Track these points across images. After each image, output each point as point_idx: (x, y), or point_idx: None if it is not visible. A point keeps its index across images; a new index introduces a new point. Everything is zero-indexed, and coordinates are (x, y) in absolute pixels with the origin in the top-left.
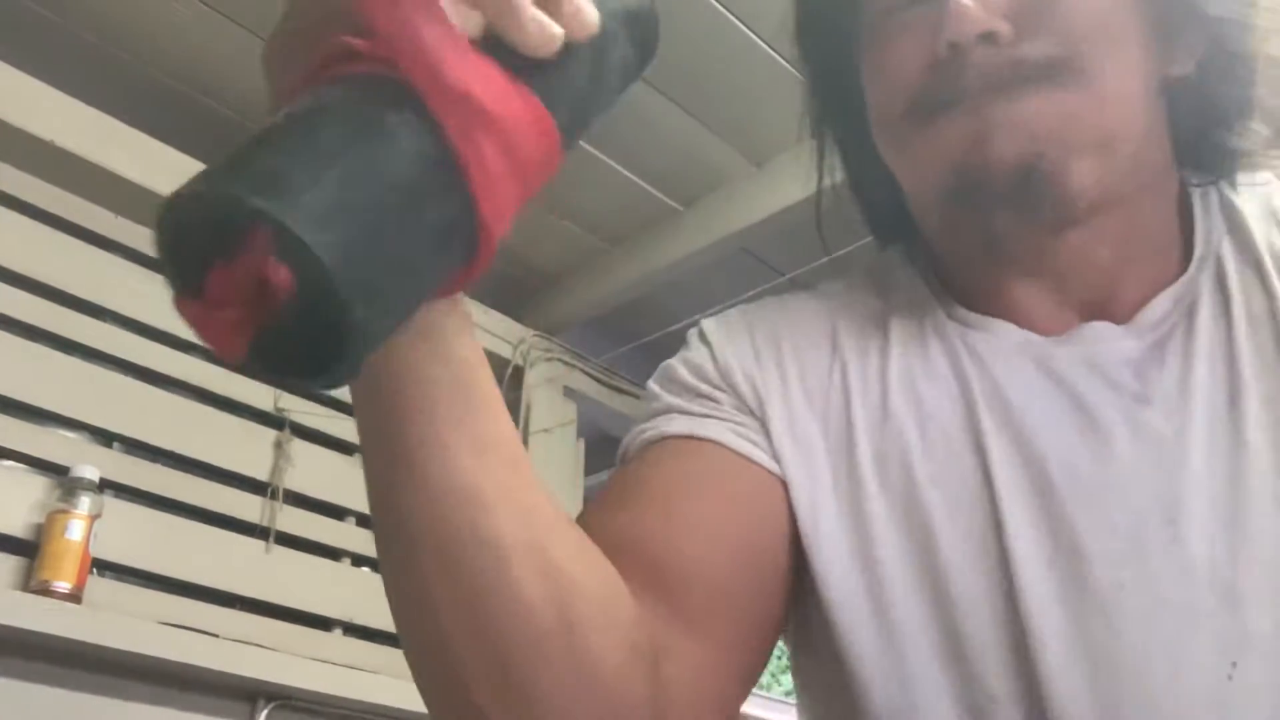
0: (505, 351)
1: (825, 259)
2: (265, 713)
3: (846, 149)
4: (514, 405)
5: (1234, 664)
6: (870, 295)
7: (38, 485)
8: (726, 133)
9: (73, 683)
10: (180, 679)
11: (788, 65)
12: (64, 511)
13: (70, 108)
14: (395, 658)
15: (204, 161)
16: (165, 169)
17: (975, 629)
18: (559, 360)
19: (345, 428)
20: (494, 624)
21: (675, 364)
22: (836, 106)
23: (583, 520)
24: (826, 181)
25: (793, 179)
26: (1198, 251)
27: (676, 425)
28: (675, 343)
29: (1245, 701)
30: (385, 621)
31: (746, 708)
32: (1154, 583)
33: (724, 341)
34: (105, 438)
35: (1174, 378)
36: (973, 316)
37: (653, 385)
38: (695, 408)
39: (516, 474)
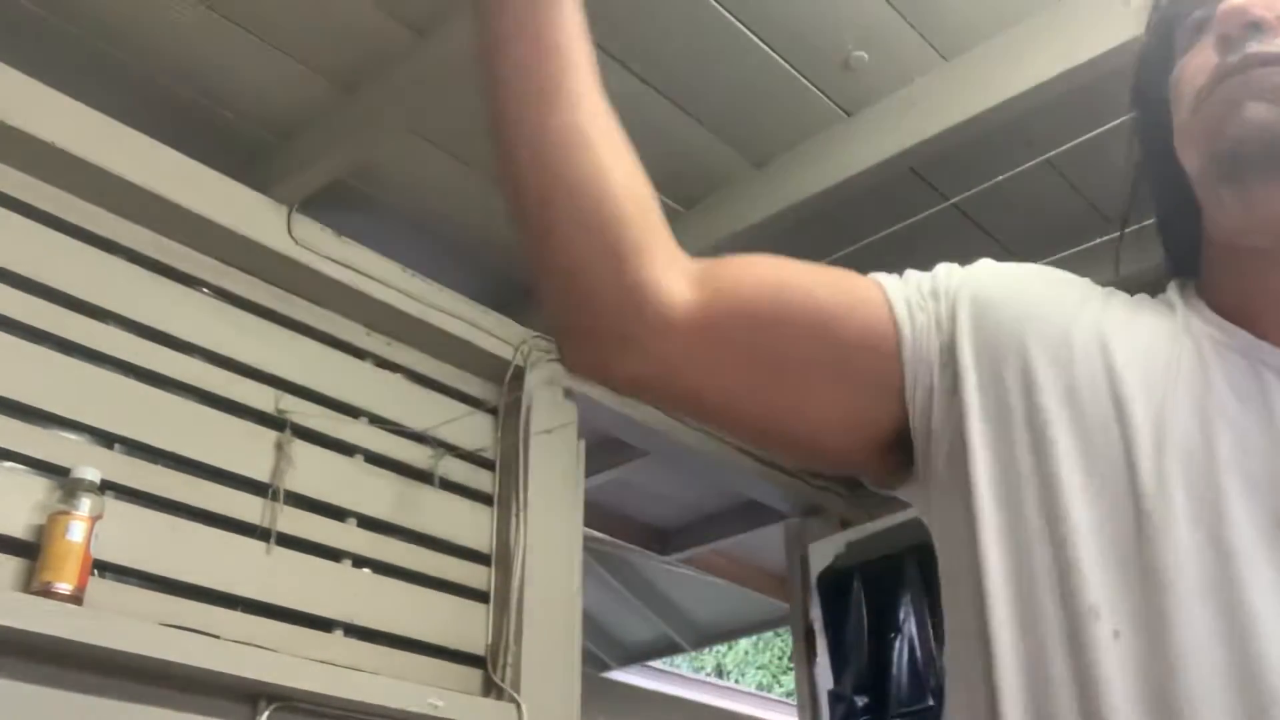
0: (505, 352)
1: (825, 259)
2: (266, 714)
3: (1152, 167)
4: (514, 406)
5: None
6: (1125, 296)
7: (39, 486)
8: (726, 133)
9: (74, 684)
10: (181, 680)
11: (788, 65)
12: (65, 513)
13: (71, 109)
14: (396, 659)
15: (205, 163)
16: (166, 171)
17: (1089, 558)
18: (559, 361)
19: (346, 429)
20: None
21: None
22: (1146, 130)
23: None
24: None
25: (793, 179)
26: None
27: (886, 280)
28: None
29: None
30: (385, 623)
31: (746, 708)
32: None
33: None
34: (106, 439)
35: None
36: (1213, 316)
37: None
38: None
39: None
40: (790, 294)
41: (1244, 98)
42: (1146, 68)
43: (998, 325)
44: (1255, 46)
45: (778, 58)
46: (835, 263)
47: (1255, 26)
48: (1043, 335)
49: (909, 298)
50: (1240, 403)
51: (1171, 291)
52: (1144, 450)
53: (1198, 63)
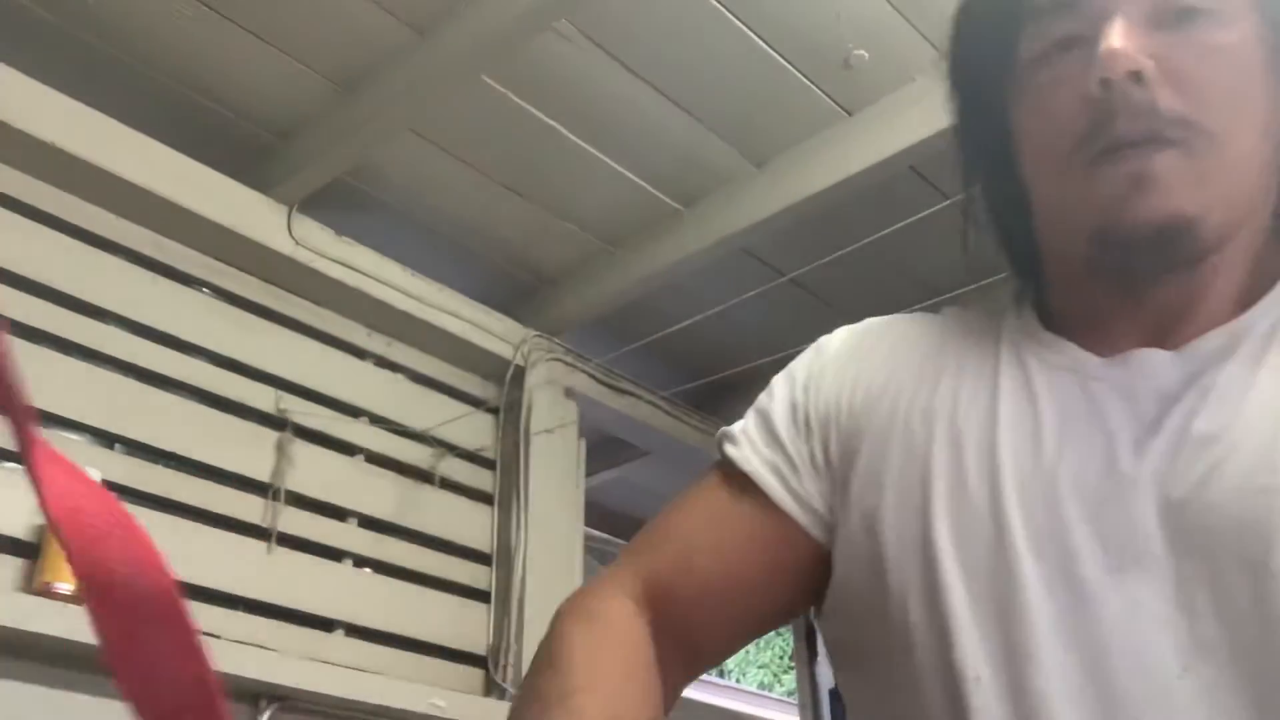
0: (506, 352)
1: (825, 259)
2: (267, 714)
3: (988, 177)
4: (515, 406)
5: (1185, 668)
6: (962, 320)
7: None
8: (726, 133)
9: (74, 684)
10: None
11: (788, 65)
12: None
13: (71, 110)
14: (397, 659)
15: (204, 163)
16: (166, 171)
17: (958, 609)
18: (560, 361)
19: (347, 429)
20: None
21: (776, 383)
22: (983, 144)
23: (652, 526)
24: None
25: (793, 179)
26: (1263, 302)
27: (737, 450)
28: (676, 343)
29: (1190, 703)
30: (387, 623)
31: (746, 707)
32: (1129, 587)
33: (817, 379)
34: (107, 439)
35: (1184, 415)
36: (1043, 336)
37: (774, 384)
38: (774, 453)
39: None
40: (717, 586)
41: (1136, 191)
42: (971, 37)
43: (857, 427)
44: (1131, 97)
45: (778, 57)
46: (835, 262)
47: (1137, 76)
48: (890, 416)
49: (779, 470)
50: (1071, 425)
51: (1007, 304)
52: (980, 494)
53: (1069, 95)
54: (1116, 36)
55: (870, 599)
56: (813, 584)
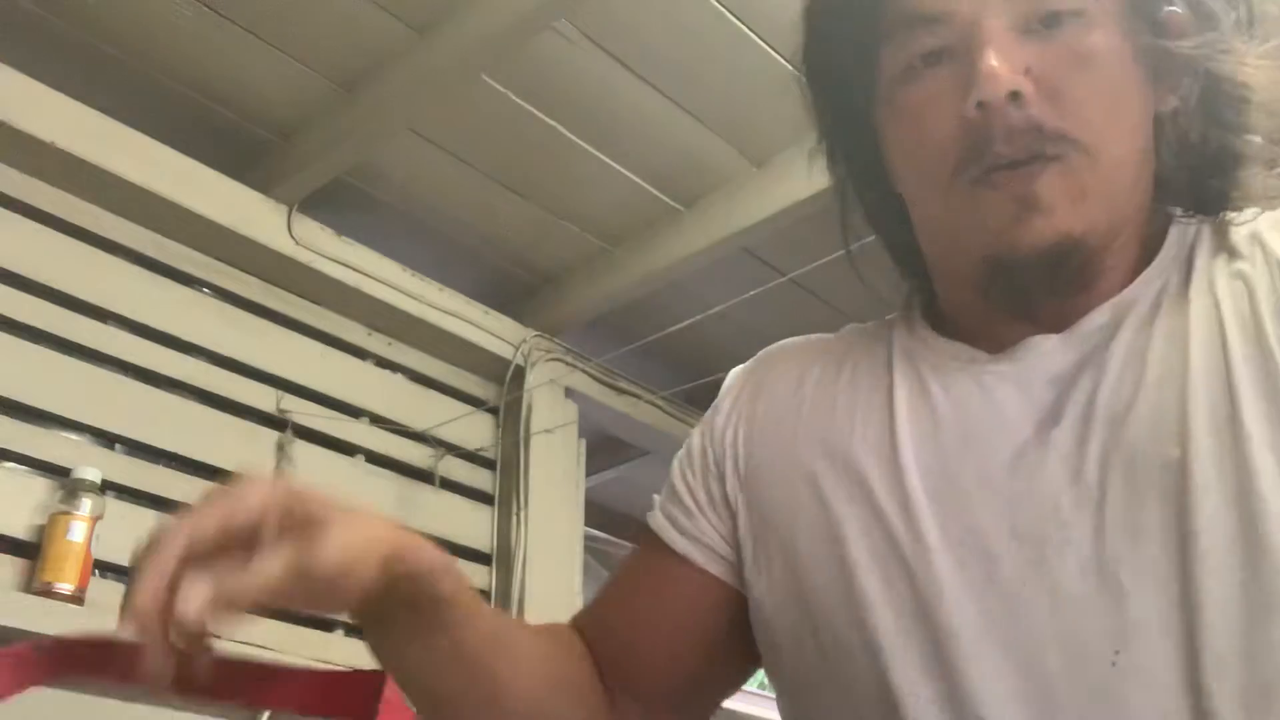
0: (506, 352)
1: (825, 259)
2: (268, 714)
3: (861, 188)
4: (515, 406)
5: (1117, 651)
6: (858, 337)
7: (39, 487)
8: (726, 133)
9: (74, 684)
10: None
11: (788, 65)
12: (66, 513)
13: (71, 110)
14: None
15: (205, 163)
16: (166, 171)
17: (886, 627)
18: (560, 361)
19: (347, 429)
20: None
21: (689, 440)
22: (850, 152)
23: (602, 594)
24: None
25: (793, 179)
26: (1145, 273)
27: (654, 520)
28: (676, 343)
29: (1127, 687)
30: None
31: (746, 707)
32: (1052, 578)
33: (714, 417)
34: (107, 439)
35: (1085, 395)
36: (931, 339)
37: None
38: (672, 505)
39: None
40: (641, 642)
41: (1023, 214)
42: (828, 45)
43: (754, 463)
44: (1010, 118)
45: (778, 57)
46: (835, 262)
47: (1015, 96)
48: (789, 446)
49: (675, 518)
50: (970, 424)
51: (898, 314)
52: (891, 508)
53: (943, 115)
54: (992, 56)
55: (796, 631)
56: (742, 629)
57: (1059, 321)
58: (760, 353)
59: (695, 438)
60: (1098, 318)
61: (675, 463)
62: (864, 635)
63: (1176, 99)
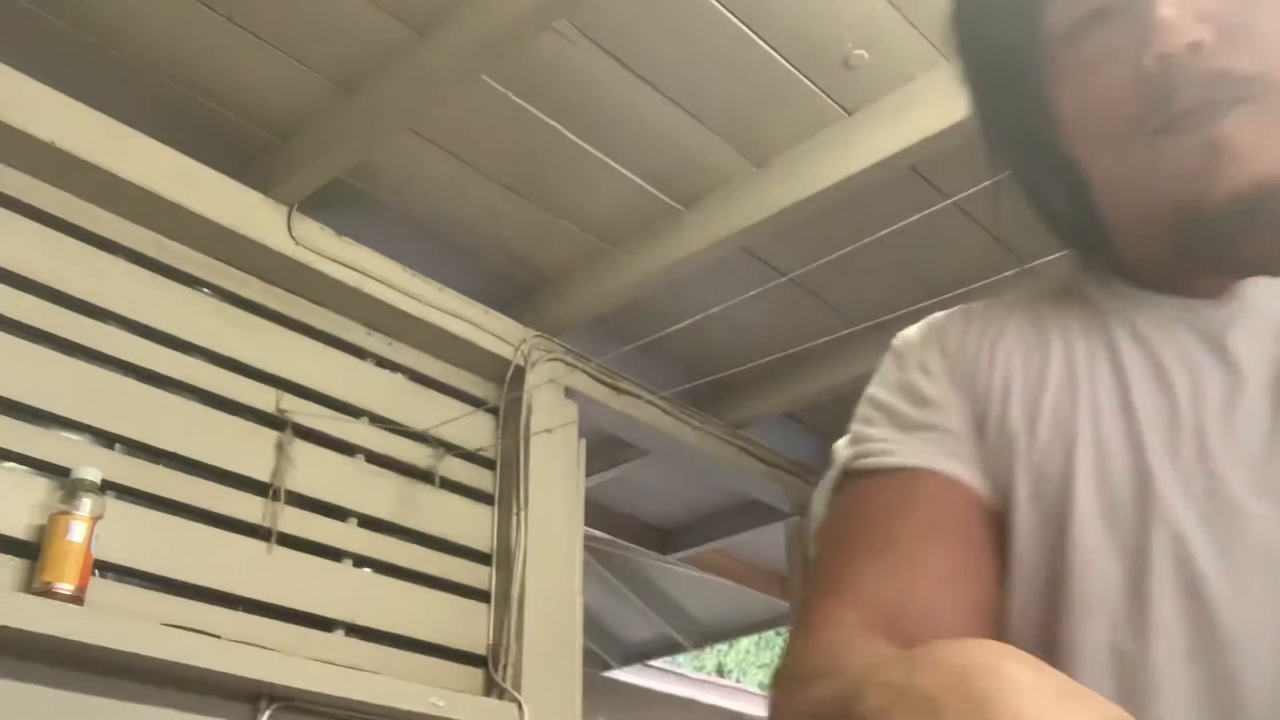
0: (506, 352)
1: (825, 259)
2: (268, 714)
3: (1027, 164)
4: (515, 406)
5: None
6: (1044, 298)
7: (39, 487)
8: (726, 133)
9: (75, 684)
10: (182, 680)
11: (788, 65)
12: (66, 513)
13: (71, 110)
14: (396, 658)
15: (205, 163)
16: (166, 171)
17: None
18: (560, 360)
19: (347, 429)
20: None
21: (883, 383)
22: (1015, 125)
23: (831, 564)
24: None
25: (793, 179)
26: None
27: (893, 455)
28: (676, 343)
29: None
30: (386, 622)
31: (748, 707)
32: None
33: (930, 355)
34: (107, 439)
35: None
36: (1137, 294)
37: (872, 393)
38: (908, 432)
39: None
40: (944, 592)
41: (1212, 160)
42: (984, 12)
43: (986, 413)
44: (1191, 68)
45: (778, 57)
46: (835, 262)
47: (1195, 46)
48: (1019, 404)
49: (950, 451)
50: (1199, 376)
51: (1078, 278)
52: (1124, 467)
53: (1119, 73)
54: (1166, 5)
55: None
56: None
57: (1265, 268)
58: (932, 317)
59: (908, 379)
60: None
61: (870, 413)
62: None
63: None
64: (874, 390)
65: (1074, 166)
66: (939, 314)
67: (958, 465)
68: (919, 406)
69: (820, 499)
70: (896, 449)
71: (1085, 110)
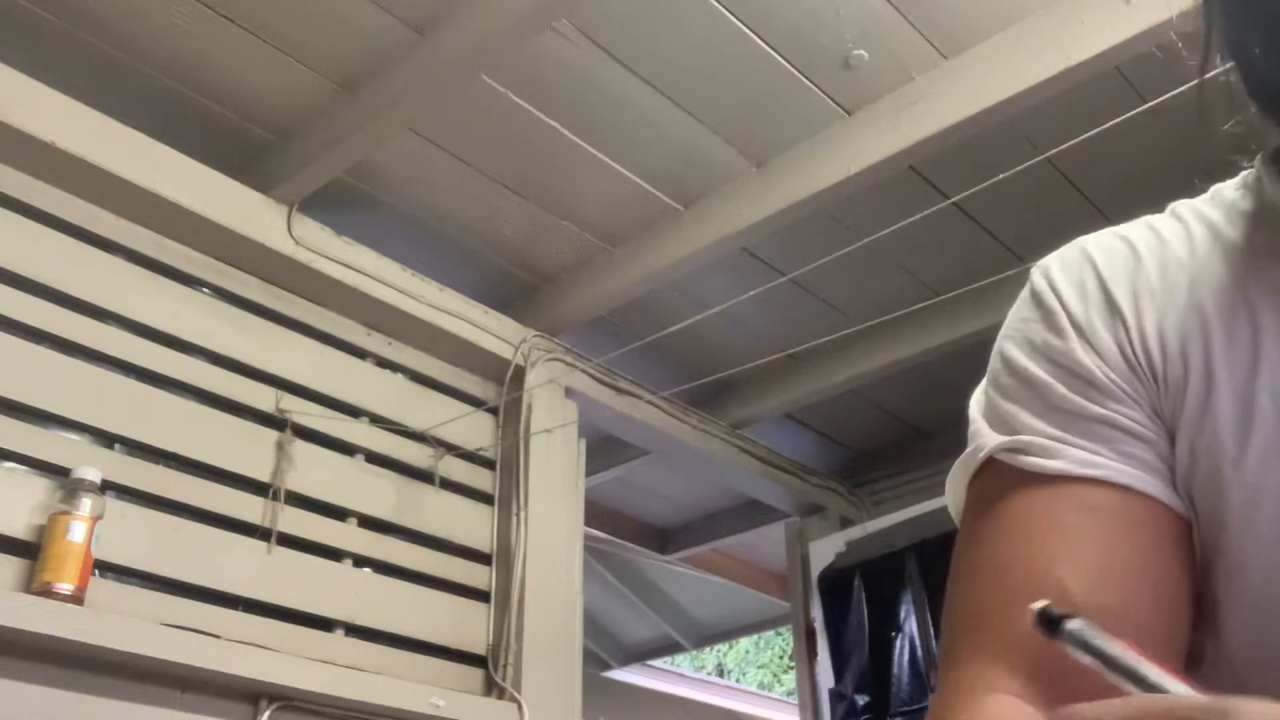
0: (506, 352)
1: (825, 259)
2: (268, 714)
3: (1230, 9)
4: (515, 406)
5: None
6: (1235, 232)
7: (39, 487)
8: (726, 133)
9: (75, 684)
10: (182, 680)
11: (788, 65)
12: (66, 513)
13: (71, 110)
14: (397, 658)
15: (204, 163)
16: (166, 171)
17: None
18: (560, 360)
19: (346, 429)
20: None
21: (1031, 347)
22: None
23: (982, 604)
24: None
25: (793, 179)
26: None
27: (1059, 462)
28: (676, 343)
29: None
30: (386, 622)
31: (747, 707)
32: None
33: (1088, 310)
34: (107, 439)
35: None
36: None
37: (1014, 371)
38: (1079, 431)
39: None
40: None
41: None
42: None
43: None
44: None
45: (778, 57)
46: (835, 262)
47: None
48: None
49: (1129, 464)
50: None
51: (1264, 181)
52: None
53: None
54: None
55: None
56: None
57: None
58: (1086, 249)
59: (1062, 347)
60: None
61: (1013, 389)
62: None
63: None
64: (1016, 354)
65: None
66: (1093, 239)
67: (1147, 477)
68: (1086, 393)
69: (957, 485)
70: (1063, 451)
71: None
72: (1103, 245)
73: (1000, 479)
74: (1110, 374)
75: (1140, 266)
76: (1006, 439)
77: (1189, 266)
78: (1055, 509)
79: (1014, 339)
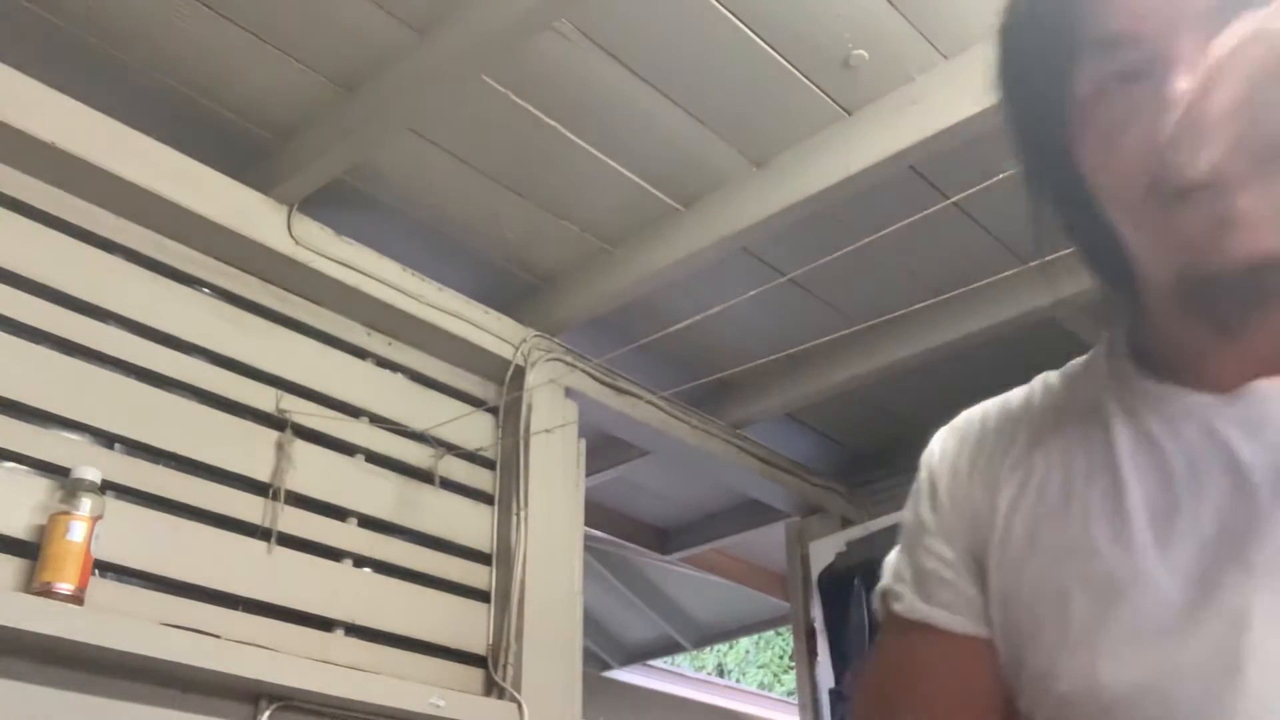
0: (506, 352)
1: (825, 259)
2: (268, 714)
3: (1060, 203)
4: (515, 406)
5: None
6: (1056, 394)
7: (39, 487)
8: (726, 133)
9: (75, 684)
10: (182, 680)
11: (788, 65)
12: (66, 513)
13: (71, 110)
14: (397, 658)
15: (204, 163)
16: (166, 171)
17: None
18: (560, 360)
19: (346, 428)
20: None
21: (915, 501)
22: (1049, 173)
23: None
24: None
25: (793, 179)
26: None
27: (906, 603)
28: (676, 343)
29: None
30: (387, 622)
31: (747, 707)
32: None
33: (943, 479)
34: (107, 439)
35: None
36: (1149, 387)
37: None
38: (922, 583)
39: None
40: None
41: (1220, 234)
42: (1022, 67)
43: (985, 536)
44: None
45: (778, 57)
46: (835, 262)
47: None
48: (1011, 515)
49: (950, 604)
50: (1202, 472)
51: (1099, 363)
52: (1116, 559)
53: (1137, 139)
54: (1185, 76)
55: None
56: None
57: (1273, 347)
58: (958, 423)
59: (923, 511)
60: None
61: (910, 548)
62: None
63: None
64: (907, 515)
65: (1109, 223)
66: (960, 419)
67: (956, 619)
68: (926, 546)
69: (876, 600)
70: (907, 596)
71: (1102, 173)
72: (957, 425)
73: (888, 621)
74: (945, 526)
75: (982, 435)
76: (891, 583)
77: (1023, 422)
78: (913, 649)
79: (908, 502)
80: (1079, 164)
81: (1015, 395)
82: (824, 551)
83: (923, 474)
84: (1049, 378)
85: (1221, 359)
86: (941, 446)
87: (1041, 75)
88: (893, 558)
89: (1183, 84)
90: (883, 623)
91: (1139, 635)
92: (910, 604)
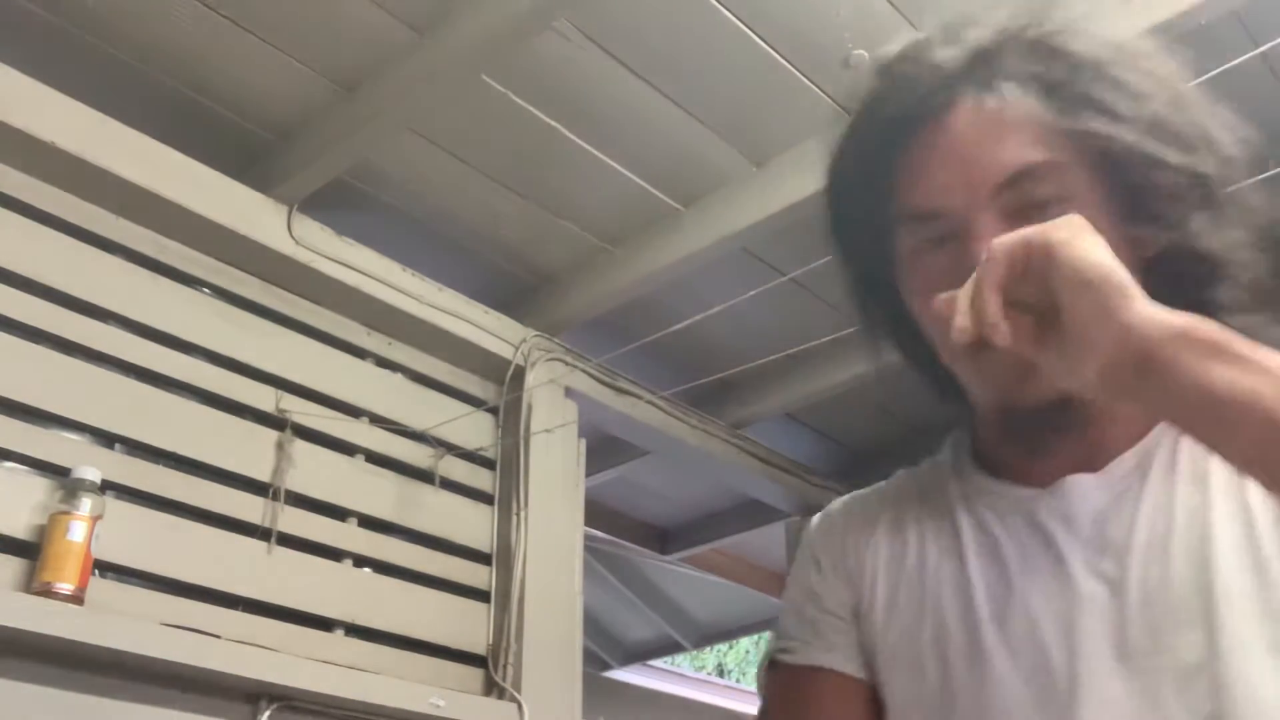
0: (506, 352)
1: (825, 259)
2: (268, 714)
3: (893, 333)
4: (515, 406)
5: None
6: (912, 486)
7: (39, 487)
8: (726, 133)
9: (75, 684)
10: (182, 680)
11: (788, 65)
12: (66, 513)
13: (71, 109)
14: (397, 658)
15: (205, 163)
16: (166, 171)
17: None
18: (560, 360)
19: (346, 428)
20: None
21: (798, 569)
22: (879, 302)
23: None
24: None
25: (793, 179)
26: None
27: (798, 654)
28: (676, 343)
29: None
30: (386, 622)
31: (748, 707)
32: (1100, 689)
33: (823, 551)
34: (107, 439)
35: (1123, 530)
36: (984, 483)
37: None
38: (808, 632)
39: None
40: None
41: (1019, 379)
42: (851, 225)
43: (859, 602)
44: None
45: (778, 57)
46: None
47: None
48: (874, 589)
49: (834, 648)
50: (1030, 560)
51: (947, 458)
52: (963, 639)
53: (946, 290)
54: (981, 240)
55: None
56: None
57: (1086, 457)
58: (837, 504)
59: (811, 579)
60: (1129, 460)
61: (790, 609)
62: None
63: (1155, 248)
64: (790, 580)
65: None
66: (835, 504)
67: (842, 660)
68: (814, 604)
69: (761, 669)
70: (799, 648)
71: (927, 319)
72: (833, 509)
73: (773, 670)
74: (825, 587)
75: (851, 517)
76: (776, 640)
77: (886, 507)
78: (797, 688)
79: (791, 572)
80: (908, 303)
81: (881, 486)
82: None
83: (805, 550)
84: (909, 471)
85: (1046, 459)
86: (820, 526)
87: (869, 234)
88: (778, 629)
89: (978, 247)
90: (769, 683)
91: (984, 709)
92: (804, 654)
